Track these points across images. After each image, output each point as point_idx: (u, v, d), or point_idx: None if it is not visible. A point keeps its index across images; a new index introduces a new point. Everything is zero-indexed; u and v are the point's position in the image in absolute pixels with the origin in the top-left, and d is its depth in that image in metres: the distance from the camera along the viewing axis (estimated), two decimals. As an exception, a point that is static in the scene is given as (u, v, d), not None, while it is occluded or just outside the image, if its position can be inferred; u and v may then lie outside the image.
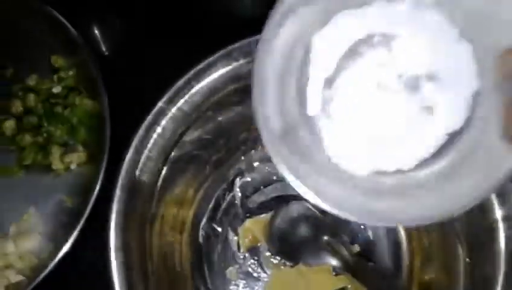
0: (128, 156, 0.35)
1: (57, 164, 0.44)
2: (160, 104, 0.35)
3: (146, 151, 0.35)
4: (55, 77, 0.47)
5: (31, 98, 0.46)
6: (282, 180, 0.44)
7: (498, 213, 0.32)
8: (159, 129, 0.36)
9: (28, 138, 0.44)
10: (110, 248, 0.33)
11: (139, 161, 0.35)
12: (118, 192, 0.34)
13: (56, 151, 0.44)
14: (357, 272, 0.37)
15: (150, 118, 0.35)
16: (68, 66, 0.47)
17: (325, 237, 0.40)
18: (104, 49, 0.50)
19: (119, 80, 0.46)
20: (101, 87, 0.43)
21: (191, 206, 0.44)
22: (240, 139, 0.44)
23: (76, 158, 0.45)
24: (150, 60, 0.48)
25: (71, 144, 0.46)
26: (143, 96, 0.38)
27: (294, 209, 0.42)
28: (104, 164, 0.41)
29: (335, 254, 0.39)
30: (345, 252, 0.39)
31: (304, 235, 0.41)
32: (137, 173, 0.35)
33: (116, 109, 0.43)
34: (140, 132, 0.35)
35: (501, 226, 0.32)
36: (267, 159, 0.45)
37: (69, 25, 0.45)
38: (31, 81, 0.47)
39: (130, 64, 0.49)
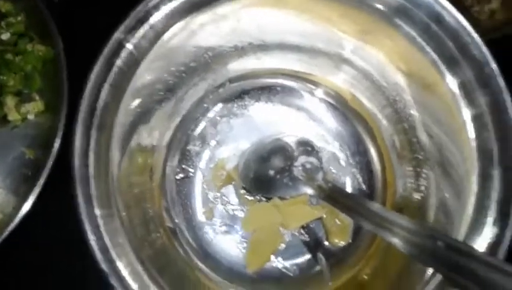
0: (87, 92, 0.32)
1: (12, 115, 0.42)
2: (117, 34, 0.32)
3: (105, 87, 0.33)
4: (2, 23, 0.44)
5: (-22, 46, 0.43)
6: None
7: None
8: (118, 62, 0.33)
9: (-22, 89, 0.42)
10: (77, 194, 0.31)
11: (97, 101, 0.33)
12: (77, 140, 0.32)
13: (10, 102, 0.42)
14: (333, 199, 0.37)
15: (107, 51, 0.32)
16: (16, 12, 0.44)
17: (299, 167, 0.39)
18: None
19: (71, 25, 0.43)
20: (54, 31, 0.41)
21: (160, 151, 0.42)
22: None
23: (33, 107, 0.42)
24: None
25: (26, 93, 0.44)
26: (98, 39, 0.36)
27: (264, 143, 0.41)
28: (64, 112, 0.39)
29: (309, 182, 0.39)
30: (319, 179, 0.38)
31: (276, 168, 0.40)
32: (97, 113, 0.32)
33: (71, 55, 0.41)
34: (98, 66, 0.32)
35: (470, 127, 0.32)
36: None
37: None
38: (-24, 28, 0.44)
39: (83, 9, 0.46)
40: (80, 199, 0.30)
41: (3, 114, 0.43)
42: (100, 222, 0.30)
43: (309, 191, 0.39)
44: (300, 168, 0.40)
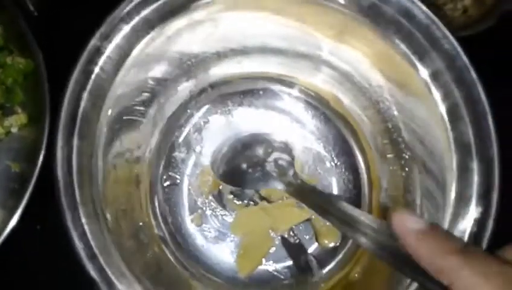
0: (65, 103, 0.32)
1: (-4, 129, 0.42)
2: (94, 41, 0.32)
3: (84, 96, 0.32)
4: (-19, 37, 0.44)
5: (-43, 60, 0.43)
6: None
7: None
8: (96, 69, 0.32)
9: (-40, 105, 0.41)
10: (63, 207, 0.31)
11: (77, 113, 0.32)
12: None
13: (-7, 116, 0.42)
14: (301, 195, 0.37)
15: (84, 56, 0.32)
16: (-6, 25, 0.44)
17: (271, 163, 0.40)
18: (32, 8, 0.46)
19: (50, 36, 0.43)
20: (33, 43, 0.41)
21: (145, 159, 0.42)
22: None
23: (16, 121, 0.42)
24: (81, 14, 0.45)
25: (8, 106, 0.43)
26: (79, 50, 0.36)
27: (239, 138, 0.42)
28: (47, 124, 0.39)
29: (281, 177, 0.39)
30: (290, 175, 0.39)
31: (249, 162, 0.41)
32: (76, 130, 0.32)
33: (52, 66, 0.41)
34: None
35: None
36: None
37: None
38: (-46, 43, 0.43)
39: (63, 22, 0.46)
40: (65, 208, 0.29)
41: (-14, 129, 0.42)
42: (87, 229, 0.29)
43: (280, 186, 0.39)
44: (272, 163, 0.40)
